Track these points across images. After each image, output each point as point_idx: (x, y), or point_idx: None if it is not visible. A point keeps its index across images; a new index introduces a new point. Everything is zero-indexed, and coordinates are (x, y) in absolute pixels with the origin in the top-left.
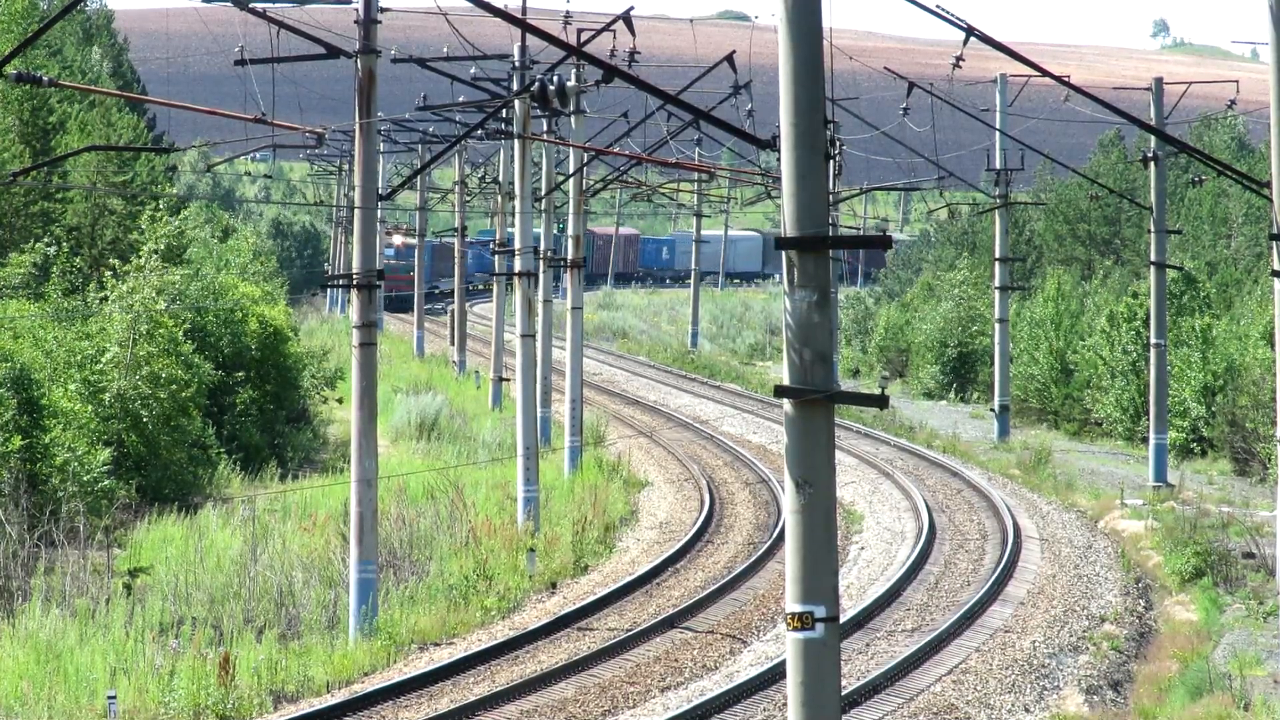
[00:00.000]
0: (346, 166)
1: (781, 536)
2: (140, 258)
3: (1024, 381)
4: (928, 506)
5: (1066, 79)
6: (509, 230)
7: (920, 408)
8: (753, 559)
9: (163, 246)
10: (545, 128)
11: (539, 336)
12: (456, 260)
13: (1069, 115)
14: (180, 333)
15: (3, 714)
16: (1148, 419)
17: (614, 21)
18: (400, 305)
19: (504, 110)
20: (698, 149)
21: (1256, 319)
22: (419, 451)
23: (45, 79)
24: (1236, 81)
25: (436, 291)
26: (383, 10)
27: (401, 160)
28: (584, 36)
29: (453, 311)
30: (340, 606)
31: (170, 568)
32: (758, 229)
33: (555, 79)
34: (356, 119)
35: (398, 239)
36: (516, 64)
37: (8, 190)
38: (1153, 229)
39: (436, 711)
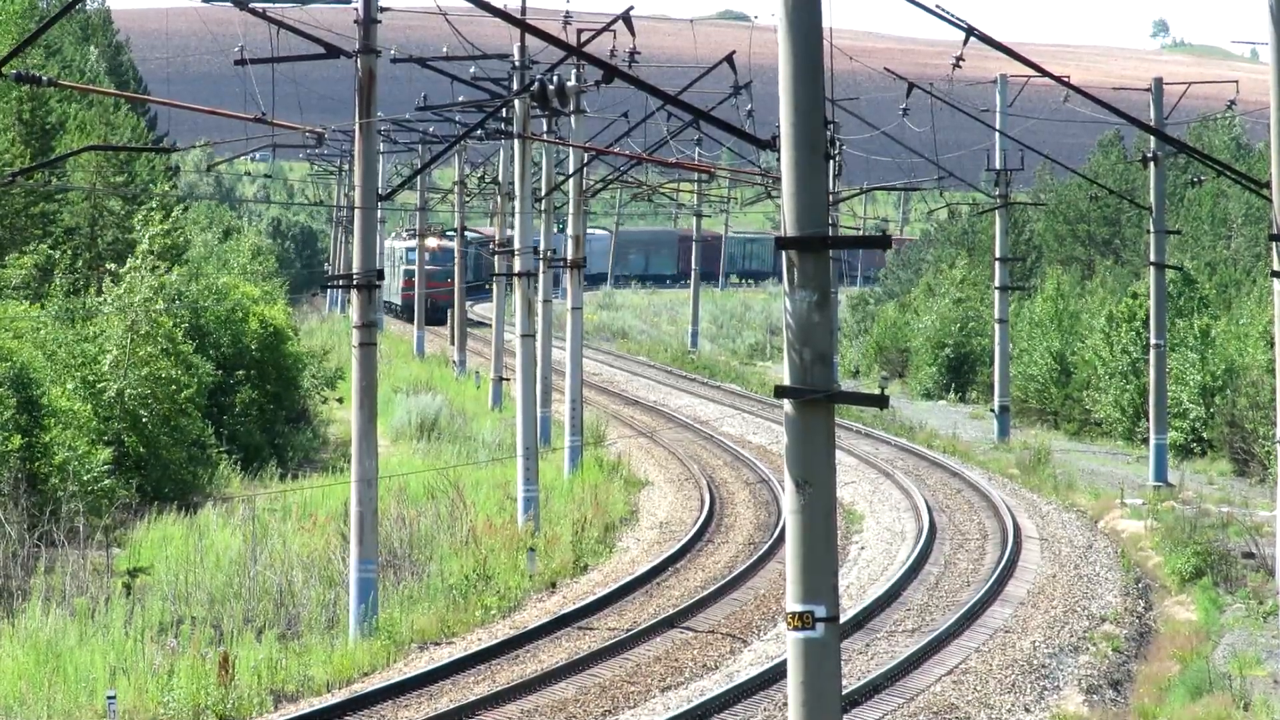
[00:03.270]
0: (346, 166)
1: (781, 536)
2: (136, 258)
3: (1024, 382)
4: (928, 506)
5: (1066, 79)
6: (509, 230)
7: (920, 408)
8: (753, 559)
9: (157, 247)
10: (545, 128)
11: (539, 336)
12: (456, 260)
13: (1069, 115)
14: (180, 333)
15: (3, 714)
16: (1147, 419)
17: (614, 21)
18: (435, 316)
19: (504, 110)
20: (698, 149)
21: (1256, 319)
22: (419, 451)
23: (45, 79)
24: (1236, 81)
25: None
26: (383, 10)
27: (401, 160)
28: (584, 36)
29: (452, 311)
30: (340, 606)
31: (170, 567)
32: (606, 228)
33: (555, 79)
34: (356, 119)
35: (431, 240)
36: (516, 64)
37: (8, 191)
38: (1152, 229)
39: (436, 711)
